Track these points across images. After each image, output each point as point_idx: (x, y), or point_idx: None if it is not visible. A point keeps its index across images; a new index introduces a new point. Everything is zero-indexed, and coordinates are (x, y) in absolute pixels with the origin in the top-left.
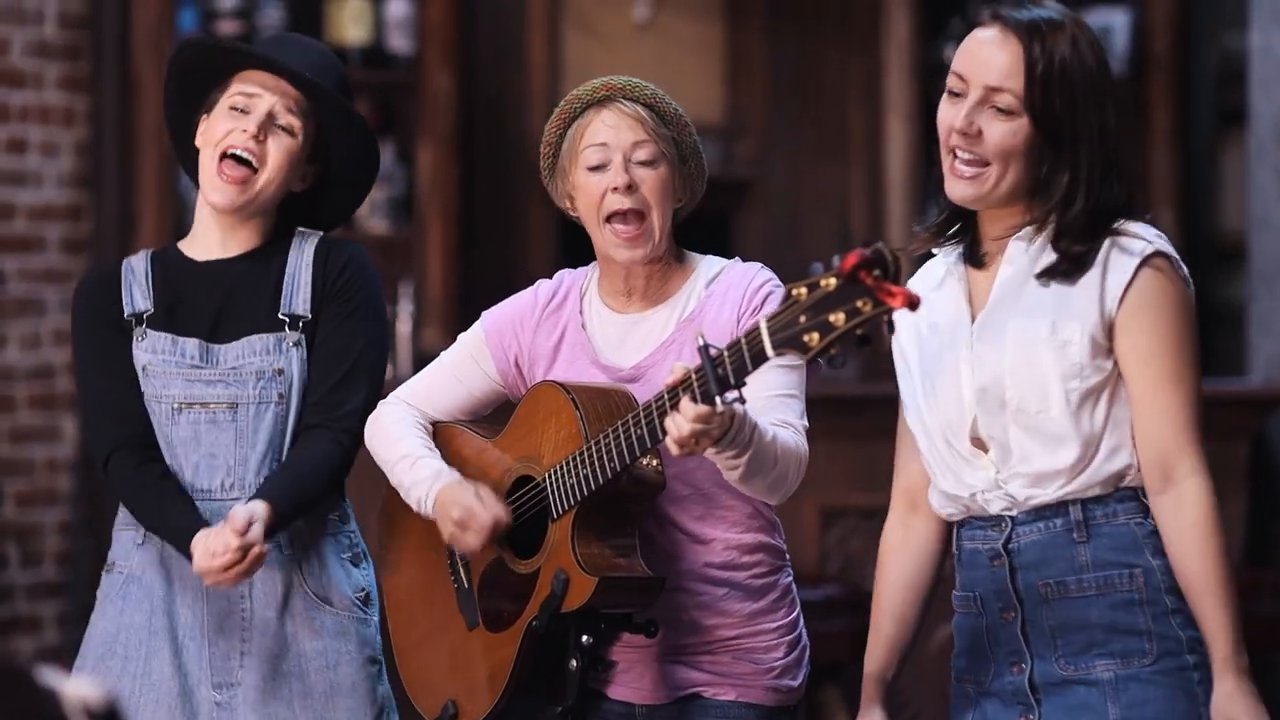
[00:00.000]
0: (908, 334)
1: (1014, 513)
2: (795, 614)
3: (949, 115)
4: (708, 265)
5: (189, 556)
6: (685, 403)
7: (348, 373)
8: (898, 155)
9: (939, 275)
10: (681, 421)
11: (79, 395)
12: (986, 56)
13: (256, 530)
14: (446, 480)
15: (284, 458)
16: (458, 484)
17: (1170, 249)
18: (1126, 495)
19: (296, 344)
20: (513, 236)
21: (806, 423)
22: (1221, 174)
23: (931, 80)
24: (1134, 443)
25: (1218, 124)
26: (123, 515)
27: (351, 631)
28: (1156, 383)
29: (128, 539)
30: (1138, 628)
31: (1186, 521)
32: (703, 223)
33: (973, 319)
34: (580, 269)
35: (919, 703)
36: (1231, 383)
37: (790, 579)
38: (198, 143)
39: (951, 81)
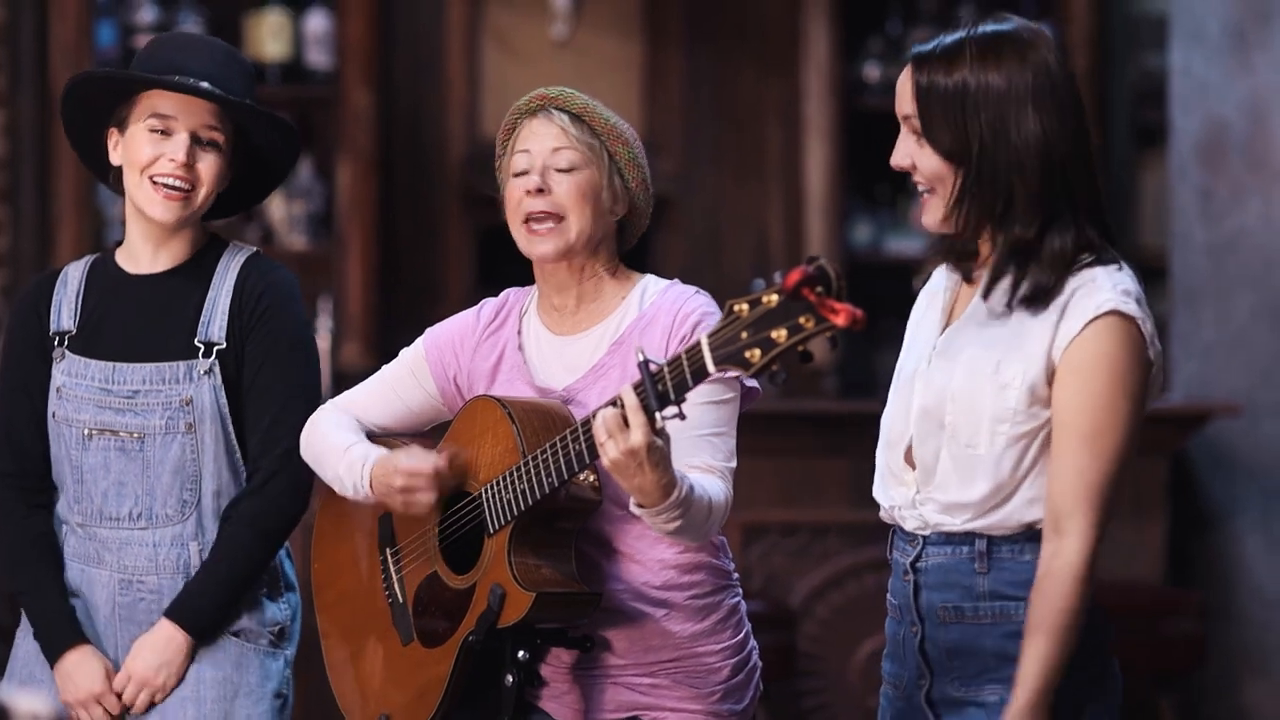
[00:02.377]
0: (908, 332)
1: (926, 532)
2: (743, 635)
3: (893, 156)
4: (644, 286)
5: (49, 660)
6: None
7: (282, 405)
8: (817, 174)
9: (942, 280)
10: (605, 429)
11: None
12: (900, 90)
13: (131, 695)
14: (375, 457)
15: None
16: (386, 455)
17: (1131, 304)
18: (1037, 537)
19: (208, 372)
20: (432, 253)
21: (734, 462)
22: (1140, 192)
23: (850, 99)
24: None
25: (1136, 142)
26: None
27: (254, 664)
28: (1073, 438)
29: None
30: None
31: (1052, 568)
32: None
33: (942, 333)
34: (526, 288)
35: (845, 717)
36: (1153, 401)
37: (738, 599)
38: (114, 159)
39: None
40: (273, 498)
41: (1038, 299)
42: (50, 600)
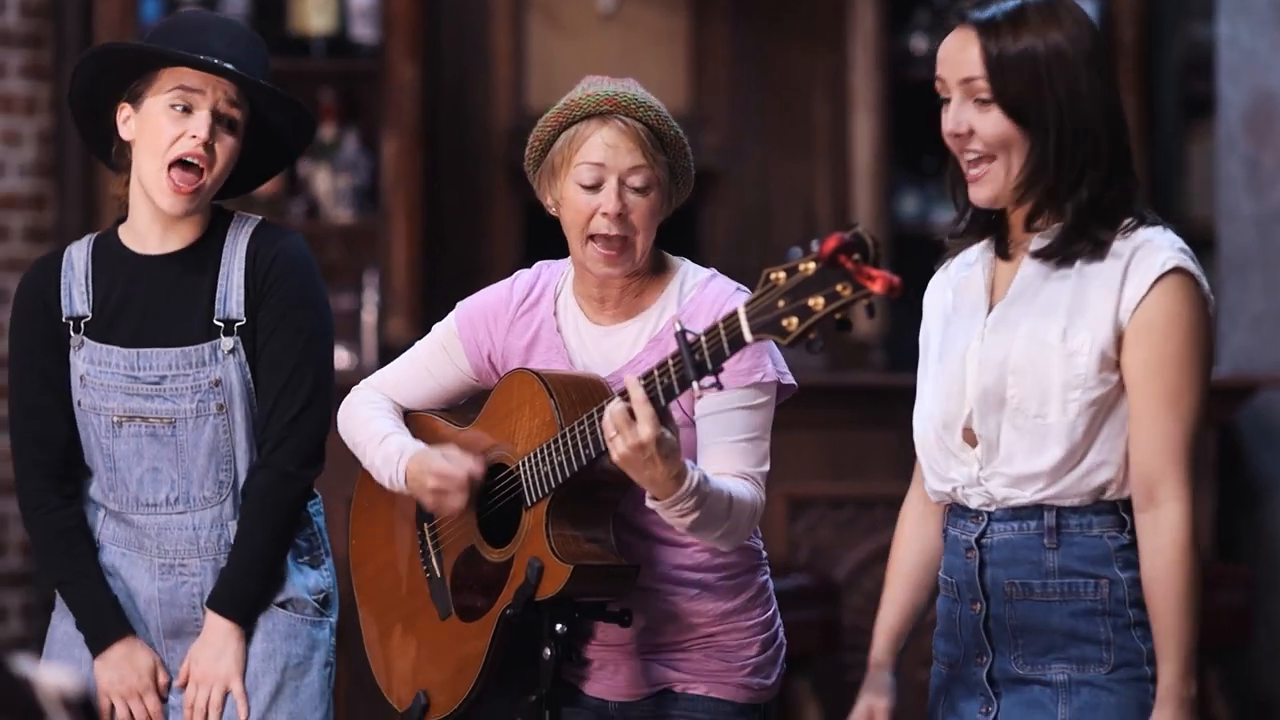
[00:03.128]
0: (935, 315)
1: (992, 509)
2: (771, 613)
3: (944, 123)
4: (683, 277)
5: (92, 653)
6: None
7: (288, 378)
8: (863, 146)
9: (970, 257)
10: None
11: (9, 399)
12: (955, 54)
13: (203, 696)
14: (412, 452)
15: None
16: (423, 452)
17: (1191, 263)
18: (1105, 509)
19: (232, 350)
20: (477, 226)
21: (767, 465)
22: (1188, 163)
23: (897, 72)
24: (1124, 459)
25: (1183, 114)
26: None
27: (303, 634)
28: (1154, 401)
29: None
30: (1097, 637)
31: (1160, 544)
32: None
33: (990, 310)
34: (559, 263)
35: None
36: None
37: (767, 578)
38: (124, 133)
39: (938, 87)
40: (280, 468)
41: (1097, 254)
42: (94, 590)
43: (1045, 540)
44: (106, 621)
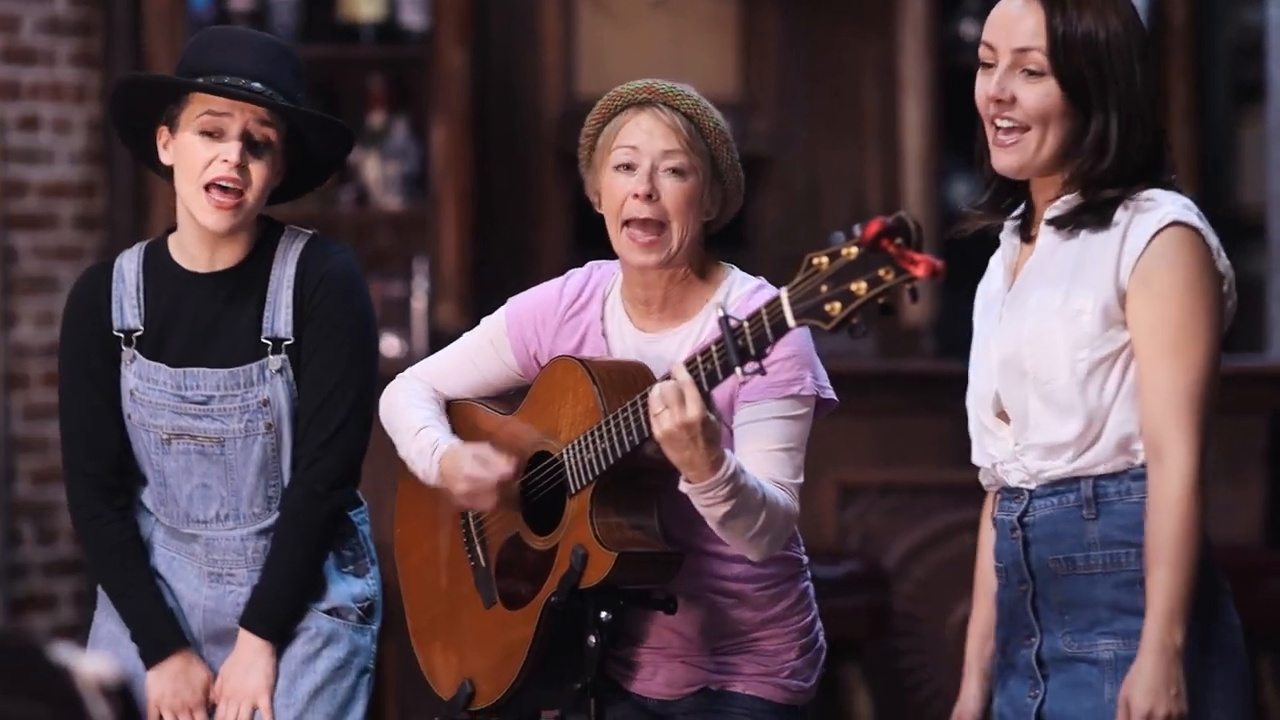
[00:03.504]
0: (979, 302)
1: (1031, 485)
2: (810, 618)
3: (983, 86)
4: (729, 285)
5: (146, 664)
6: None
7: (330, 393)
8: (913, 132)
9: (1003, 249)
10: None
11: (60, 406)
12: (1011, 22)
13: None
14: (445, 449)
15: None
16: (458, 450)
17: (1193, 217)
18: (1140, 474)
19: (280, 370)
20: (526, 212)
21: (801, 479)
22: (1239, 148)
23: (947, 57)
24: None
25: (1234, 98)
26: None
27: (344, 639)
28: (1156, 355)
29: None
30: (1139, 608)
31: (1159, 496)
32: None
33: (1010, 290)
34: (610, 264)
35: (941, 678)
36: (1251, 359)
37: (808, 584)
38: (165, 159)
39: (982, 53)
40: (311, 487)
41: (1103, 218)
42: (151, 603)
43: (1084, 511)
44: (163, 634)
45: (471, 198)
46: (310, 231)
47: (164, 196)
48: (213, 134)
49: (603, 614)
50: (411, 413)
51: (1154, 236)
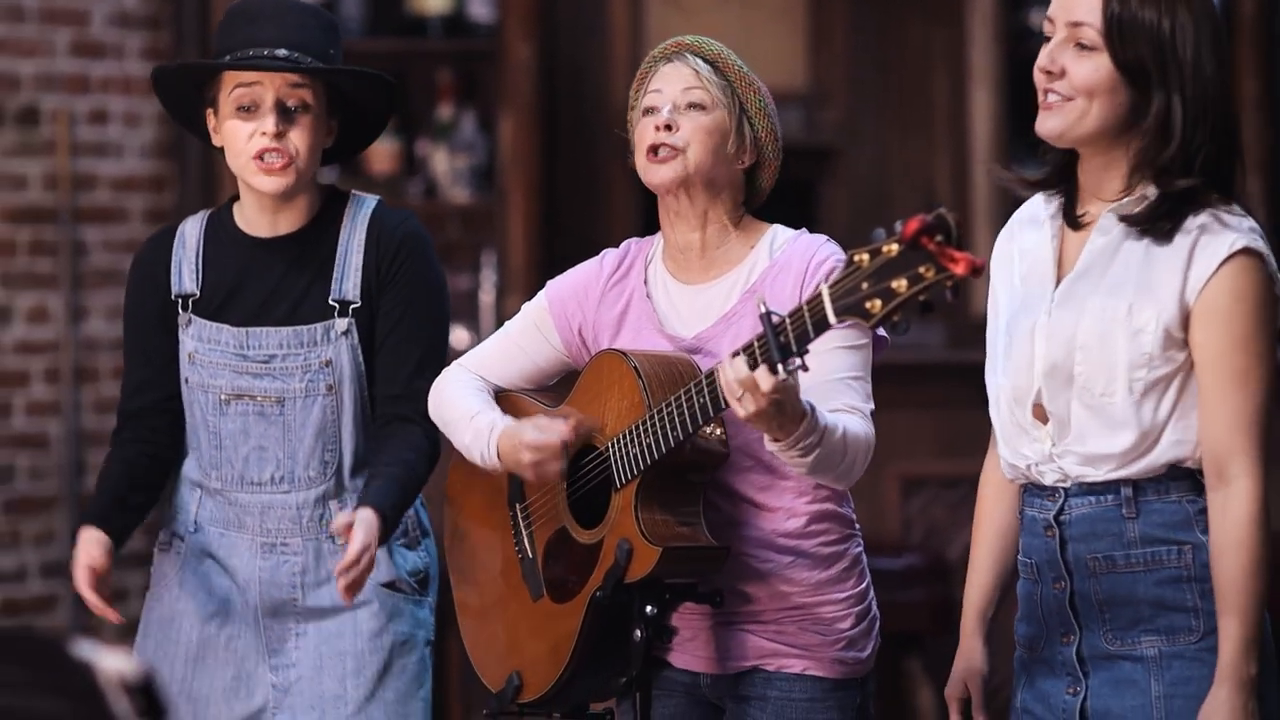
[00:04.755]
0: (1002, 281)
1: (1067, 485)
2: (865, 585)
3: (1039, 58)
4: (773, 235)
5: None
6: (760, 371)
7: (422, 358)
8: (982, 124)
9: (1039, 217)
10: (740, 386)
11: (123, 375)
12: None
13: (357, 545)
14: (502, 428)
15: (376, 452)
16: (514, 426)
17: (1260, 243)
18: (1181, 474)
19: (345, 332)
20: (595, 205)
21: (872, 404)
22: None
23: (1016, 47)
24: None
25: None
26: (173, 500)
27: (405, 613)
28: (1222, 381)
29: (181, 525)
30: (1184, 604)
31: (1227, 521)
32: (787, 190)
33: (1058, 283)
34: (647, 237)
35: (1005, 671)
36: None
37: (860, 549)
38: (215, 141)
39: (1045, 26)
40: (418, 440)
41: (1177, 214)
42: (104, 484)
43: (1124, 510)
44: (96, 507)
45: (539, 190)
46: (375, 197)
47: (232, 188)
48: (249, 108)
49: (648, 608)
50: (463, 401)
51: (1224, 262)
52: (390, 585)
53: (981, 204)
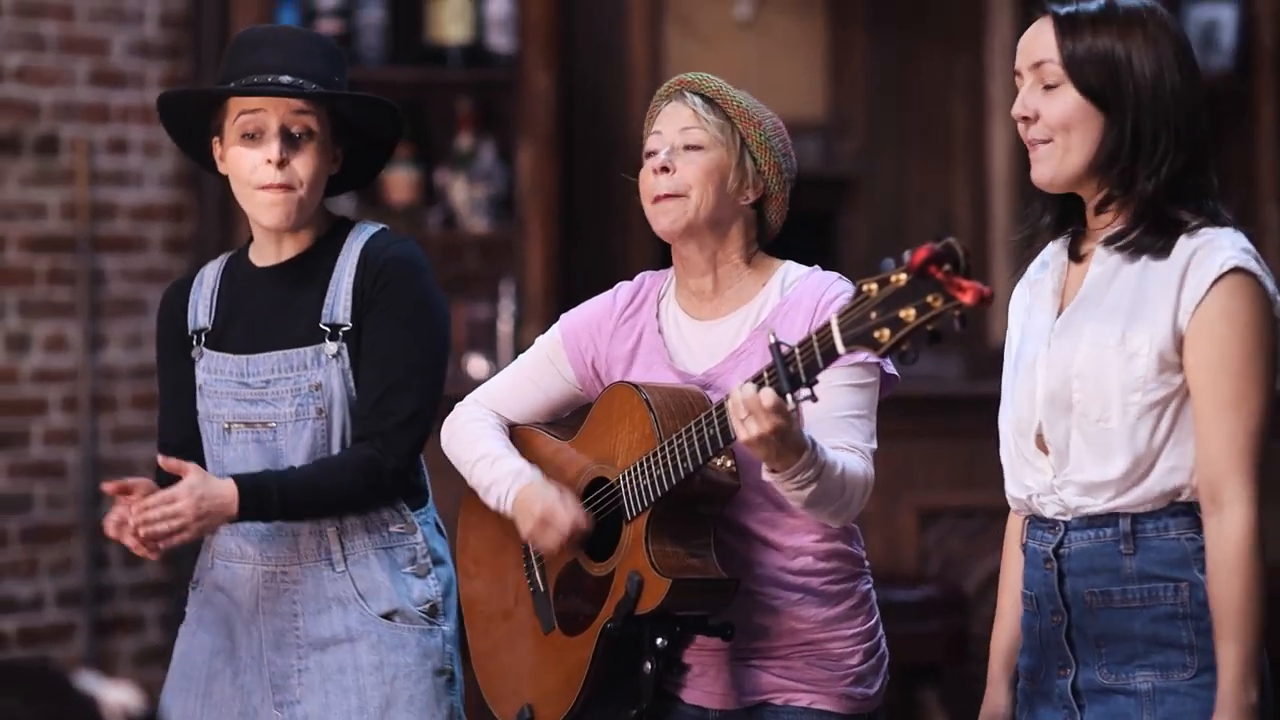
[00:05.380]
0: (1017, 318)
1: (1067, 518)
2: (874, 622)
3: (1013, 108)
4: (785, 272)
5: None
6: (764, 391)
7: (394, 384)
8: (1001, 154)
9: (1049, 259)
10: (745, 407)
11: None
12: (1028, 43)
13: (164, 500)
14: (529, 479)
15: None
16: (540, 483)
17: (1252, 262)
18: (1181, 510)
19: (336, 355)
20: (613, 235)
21: (874, 444)
22: None
23: None
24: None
25: None
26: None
27: (412, 644)
28: (1216, 404)
29: (203, 560)
30: (1179, 641)
31: (1221, 547)
32: (806, 220)
33: (1059, 314)
34: (661, 271)
35: None
36: None
37: (869, 586)
38: (221, 169)
39: (1016, 81)
40: (362, 460)
41: (1155, 252)
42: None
43: (1122, 546)
44: None
45: (558, 220)
46: (380, 225)
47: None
48: (253, 135)
49: (658, 640)
50: (484, 441)
51: (1215, 282)
52: (390, 616)
53: (1000, 233)
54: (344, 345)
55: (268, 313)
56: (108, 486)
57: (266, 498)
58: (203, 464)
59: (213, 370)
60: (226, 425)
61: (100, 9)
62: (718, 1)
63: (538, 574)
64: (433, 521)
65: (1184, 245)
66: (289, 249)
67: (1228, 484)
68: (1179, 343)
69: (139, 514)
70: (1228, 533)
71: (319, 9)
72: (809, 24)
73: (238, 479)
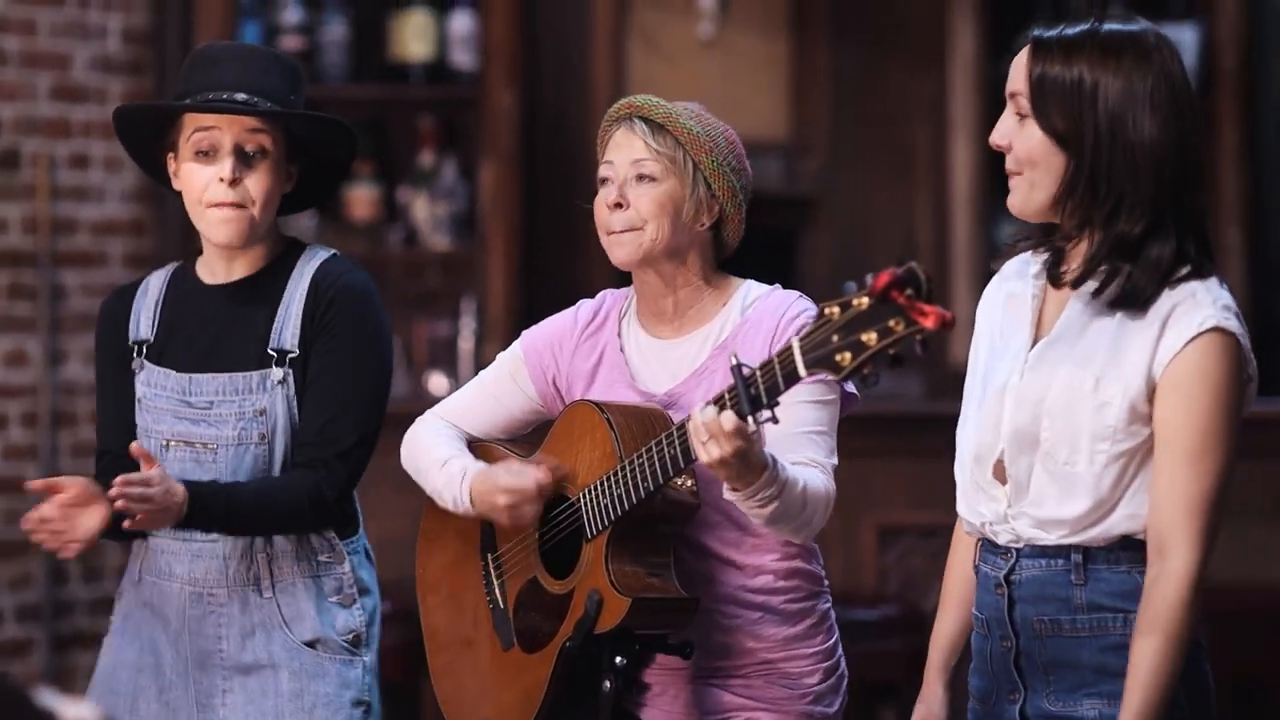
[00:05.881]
0: (984, 331)
1: (1019, 545)
2: (833, 641)
3: (992, 134)
4: (746, 291)
5: None
6: (725, 414)
7: (338, 413)
8: (963, 174)
9: (1026, 271)
10: (706, 430)
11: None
12: (1013, 68)
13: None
14: (475, 472)
15: None
16: (487, 470)
17: (1232, 321)
18: (1131, 544)
19: (281, 382)
20: (575, 254)
21: (835, 460)
22: None
23: (997, 98)
24: None
25: None
26: (131, 550)
27: (332, 674)
28: (1175, 458)
29: (129, 576)
30: (1125, 671)
31: (1156, 596)
32: (768, 239)
33: (1033, 344)
34: (623, 290)
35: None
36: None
37: (828, 606)
38: (175, 185)
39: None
40: (307, 485)
41: (1131, 302)
42: None
43: (1073, 577)
44: None
45: (519, 238)
46: (331, 250)
47: None
48: (207, 153)
49: (618, 659)
50: (436, 449)
51: (1192, 340)
52: (313, 644)
53: (961, 253)
54: (290, 372)
55: (215, 332)
56: (35, 484)
57: (213, 507)
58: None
59: (152, 385)
60: (165, 442)
61: (62, 24)
62: (681, 20)
63: (497, 591)
64: (362, 550)
65: (1167, 297)
66: (239, 268)
67: (1175, 537)
68: (1150, 394)
69: (121, 480)
70: (1162, 588)
71: (282, 25)
72: (772, 43)
73: (187, 484)
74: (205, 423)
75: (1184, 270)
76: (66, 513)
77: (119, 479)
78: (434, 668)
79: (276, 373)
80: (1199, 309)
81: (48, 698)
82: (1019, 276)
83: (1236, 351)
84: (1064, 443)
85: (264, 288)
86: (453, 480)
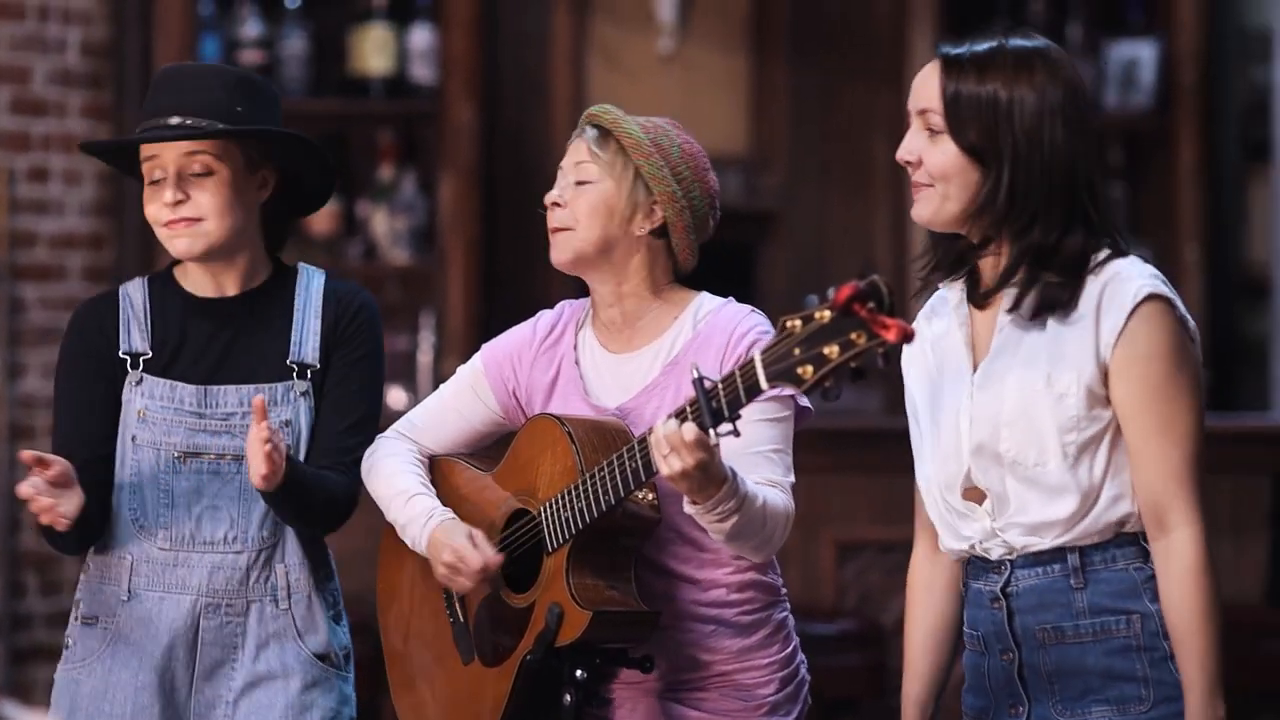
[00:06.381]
0: (916, 377)
1: (1013, 557)
2: (790, 650)
3: (899, 149)
4: (699, 304)
5: None
6: (686, 425)
7: (357, 420)
8: None
9: (943, 308)
10: (668, 443)
11: (53, 430)
12: (918, 86)
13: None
14: (440, 519)
15: None
16: (451, 524)
17: (1166, 288)
18: (1127, 540)
19: (304, 394)
20: (534, 268)
21: (792, 477)
22: (1248, 207)
23: None
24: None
25: (1244, 157)
26: (96, 569)
27: (336, 688)
28: (1149, 431)
29: (111, 595)
30: (1134, 674)
31: (1174, 571)
32: (728, 253)
33: (975, 367)
34: (581, 300)
35: None
36: (1255, 418)
37: (786, 614)
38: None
39: (907, 119)
40: (340, 483)
41: (1053, 307)
42: None
43: (1071, 580)
44: None
45: (478, 252)
46: (322, 270)
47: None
48: (157, 181)
49: (578, 672)
50: (400, 478)
51: (1132, 312)
52: (324, 657)
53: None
54: (311, 385)
55: (226, 345)
56: (26, 455)
57: (298, 466)
58: (106, 487)
59: (157, 397)
60: (179, 454)
61: (22, 37)
62: (641, 36)
63: (457, 605)
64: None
65: (1093, 281)
66: (231, 283)
67: (1171, 508)
68: (1104, 375)
69: (267, 429)
70: (1177, 556)
71: (241, 39)
72: (731, 59)
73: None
74: (228, 434)
75: (1103, 255)
76: (52, 490)
77: (259, 434)
78: (394, 682)
79: (300, 384)
80: (1129, 282)
81: (7, 710)
82: (938, 315)
83: (1176, 314)
84: (1030, 447)
85: (270, 302)
86: (416, 519)
